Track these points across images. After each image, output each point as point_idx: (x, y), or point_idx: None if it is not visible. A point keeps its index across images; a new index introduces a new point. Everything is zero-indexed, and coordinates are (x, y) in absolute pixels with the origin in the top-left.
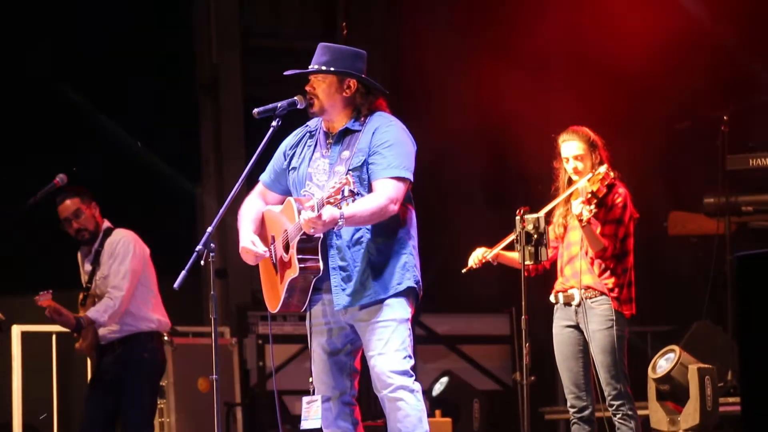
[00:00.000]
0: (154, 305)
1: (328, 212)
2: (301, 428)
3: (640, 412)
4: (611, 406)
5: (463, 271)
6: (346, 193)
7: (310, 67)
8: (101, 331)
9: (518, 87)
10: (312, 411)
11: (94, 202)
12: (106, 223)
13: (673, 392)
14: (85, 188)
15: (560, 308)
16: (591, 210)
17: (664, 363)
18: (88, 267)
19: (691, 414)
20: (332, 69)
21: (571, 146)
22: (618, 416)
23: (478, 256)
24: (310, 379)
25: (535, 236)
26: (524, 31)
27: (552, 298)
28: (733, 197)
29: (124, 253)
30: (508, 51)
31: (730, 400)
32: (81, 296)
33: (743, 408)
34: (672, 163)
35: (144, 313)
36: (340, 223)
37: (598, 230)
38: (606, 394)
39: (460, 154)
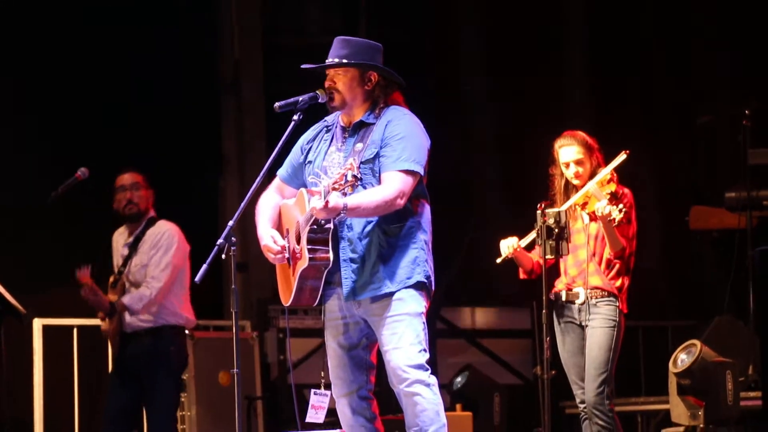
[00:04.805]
0: (185, 302)
1: (334, 199)
2: (305, 421)
3: (661, 407)
4: (591, 402)
5: (498, 261)
6: (349, 178)
7: (328, 60)
8: (128, 319)
9: (539, 84)
10: (320, 405)
11: (152, 191)
12: (152, 213)
13: (694, 386)
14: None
15: (562, 305)
16: (621, 209)
17: (685, 357)
18: (124, 251)
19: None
20: (355, 62)
21: (570, 151)
22: (597, 412)
23: (512, 245)
24: (322, 373)
25: (556, 230)
26: (544, 34)
27: (552, 296)
28: (754, 192)
29: (168, 246)
30: (528, 49)
31: (752, 394)
32: (112, 279)
33: (765, 402)
34: (694, 157)
35: (174, 308)
36: (343, 214)
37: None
38: (591, 388)
39: (483, 148)
